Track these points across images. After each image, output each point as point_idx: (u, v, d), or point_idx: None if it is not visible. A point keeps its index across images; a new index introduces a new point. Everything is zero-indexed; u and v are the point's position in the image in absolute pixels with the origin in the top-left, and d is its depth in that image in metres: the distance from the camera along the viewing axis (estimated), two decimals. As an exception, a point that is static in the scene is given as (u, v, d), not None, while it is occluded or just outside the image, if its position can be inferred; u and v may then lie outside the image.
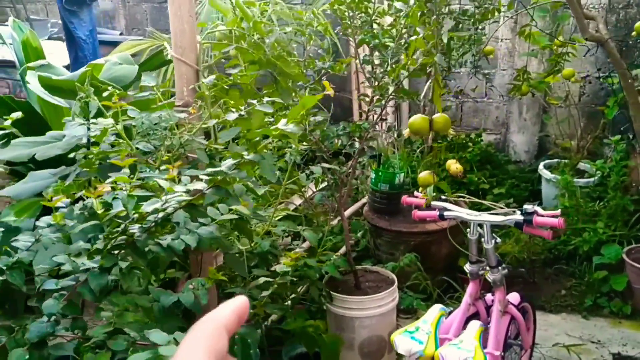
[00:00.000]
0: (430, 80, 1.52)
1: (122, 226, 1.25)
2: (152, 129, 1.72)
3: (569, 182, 4.08)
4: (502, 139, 5.19)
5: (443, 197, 2.57)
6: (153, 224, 1.26)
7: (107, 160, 1.59)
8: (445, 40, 1.50)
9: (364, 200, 4.14)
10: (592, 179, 4.16)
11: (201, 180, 1.35)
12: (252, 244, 2.37)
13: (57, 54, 4.89)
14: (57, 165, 2.16)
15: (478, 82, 4.91)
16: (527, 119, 4.98)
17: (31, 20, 4.92)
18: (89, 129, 1.90)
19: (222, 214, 1.45)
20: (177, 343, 1.20)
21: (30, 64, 2.33)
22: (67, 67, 3.76)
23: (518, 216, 2.27)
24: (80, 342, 1.17)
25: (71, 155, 1.79)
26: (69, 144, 1.82)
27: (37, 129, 2.76)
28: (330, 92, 1.74)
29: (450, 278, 3.61)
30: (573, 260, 3.84)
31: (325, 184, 2.88)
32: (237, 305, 0.51)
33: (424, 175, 1.98)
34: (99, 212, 1.27)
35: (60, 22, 6.23)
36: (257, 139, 1.46)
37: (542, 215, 2.24)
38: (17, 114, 1.54)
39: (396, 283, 2.95)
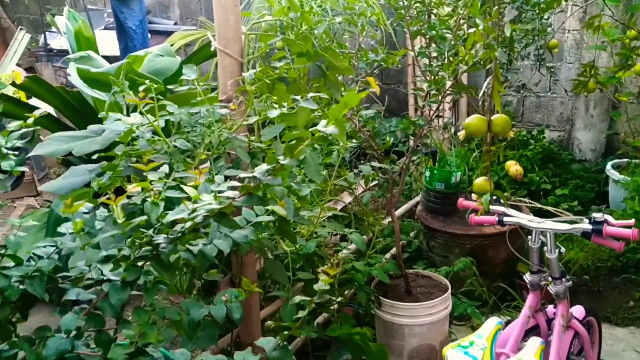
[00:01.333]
0: (490, 77, 1.36)
1: (147, 236, 1.15)
2: (191, 125, 1.63)
3: (640, 185, 3.81)
4: (567, 137, 4.91)
5: (502, 200, 2.40)
6: (180, 234, 1.16)
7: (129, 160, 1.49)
8: (507, 33, 1.33)
9: (417, 198, 3.97)
10: (666, 182, 3.86)
11: (233, 187, 1.24)
12: (297, 246, 2.26)
13: (112, 43, 4.91)
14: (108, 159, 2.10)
15: (541, 75, 4.64)
16: (594, 115, 4.68)
17: (88, 10, 4.94)
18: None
19: (257, 215, 1.34)
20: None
21: (70, 56, 2.28)
22: (118, 58, 3.74)
23: (586, 225, 2.08)
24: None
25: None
26: (107, 139, 1.75)
27: (89, 119, 2.73)
28: (375, 89, 1.60)
29: (508, 284, 3.41)
30: (643, 269, 3.58)
31: (375, 182, 2.74)
32: None
33: (480, 182, 1.80)
34: (120, 221, 1.17)
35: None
36: (294, 141, 1.34)
37: (614, 225, 2.04)
38: (40, 111, 1.46)
39: (450, 290, 2.79)
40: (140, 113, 1.69)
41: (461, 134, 1.60)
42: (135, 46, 3.40)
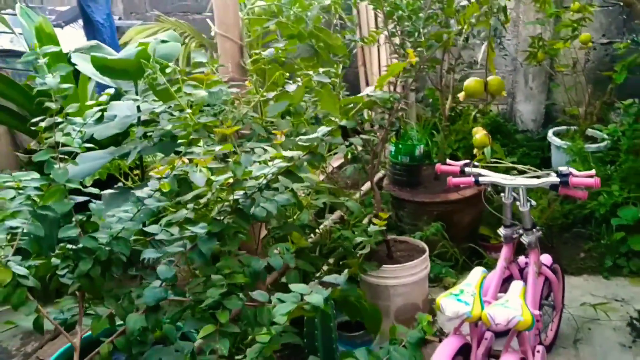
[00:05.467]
0: (485, 44, 1.57)
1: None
2: (212, 104, 1.75)
3: (581, 148, 4.16)
4: (509, 109, 5.25)
5: (475, 163, 2.62)
6: (257, 190, 1.30)
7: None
8: (503, 3, 1.54)
9: (379, 175, 4.18)
10: (602, 144, 4.23)
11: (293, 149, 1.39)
12: (295, 216, 2.41)
13: (62, 40, 4.85)
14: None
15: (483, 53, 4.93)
16: (534, 87, 5.03)
17: (29, 7, 4.84)
18: (138, 108, 1.92)
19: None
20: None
21: (80, 46, 2.34)
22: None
23: (554, 178, 2.32)
24: (192, 304, 1.21)
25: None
26: (124, 123, 1.85)
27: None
28: (413, 60, 1.77)
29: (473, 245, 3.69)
30: (589, 224, 3.93)
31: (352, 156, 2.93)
32: None
33: (479, 137, 2.02)
34: (172, 187, 1.29)
35: (57, 8, 6.17)
36: (351, 105, 1.49)
37: (578, 176, 2.30)
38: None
39: (427, 251, 3.01)
40: (153, 98, 1.80)
41: (461, 94, 1.80)
42: (104, 40, 3.41)
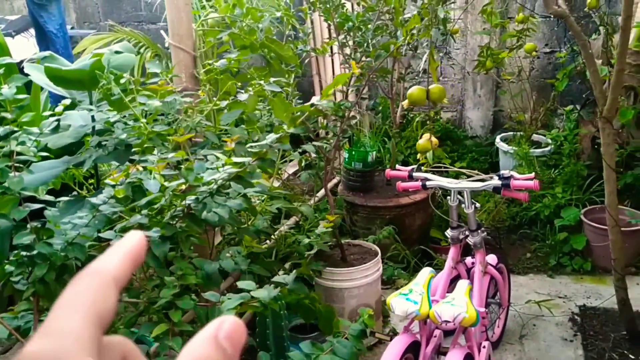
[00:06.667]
0: (426, 54, 1.68)
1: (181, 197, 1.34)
2: (165, 113, 1.80)
3: (527, 153, 4.34)
4: (459, 116, 5.42)
5: (423, 168, 2.73)
6: (208, 195, 1.35)
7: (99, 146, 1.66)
8: (441, 16, 1.65)
9: (335, 180, 4.28)
10: (547, 149, 4.43)
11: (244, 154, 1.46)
12: (250, 222, 2.47)
13: (13, 50, 4.80)
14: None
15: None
16: (482, 95, 5.22)
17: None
18: (93, 118, 1.96)
19: (245, 188, 1.55)
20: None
21: (35, 56, 2.34)
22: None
23: (496, 181, 2.44)
24: (147, 305, 1.26)
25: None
26: (79, 132, 1.88)
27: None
28: (356, 71, 1.85)
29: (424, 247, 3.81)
30: (535, 225, 4.10)
31: (306, 163, 3.01)
32: (129, 248, 0.38)
33: (422, 142, 2.13)
34: (123, 193, 1.35)
35: (6, 17, 6.08)
36: (298, 113, 1.56)
37: (518, 179, 2.43)
38: None
39: (379, 254, 3.11)
40: (108, 108, 1.84)
41: (405, 102, 1.90)
42: (58, 50, 3.39)
